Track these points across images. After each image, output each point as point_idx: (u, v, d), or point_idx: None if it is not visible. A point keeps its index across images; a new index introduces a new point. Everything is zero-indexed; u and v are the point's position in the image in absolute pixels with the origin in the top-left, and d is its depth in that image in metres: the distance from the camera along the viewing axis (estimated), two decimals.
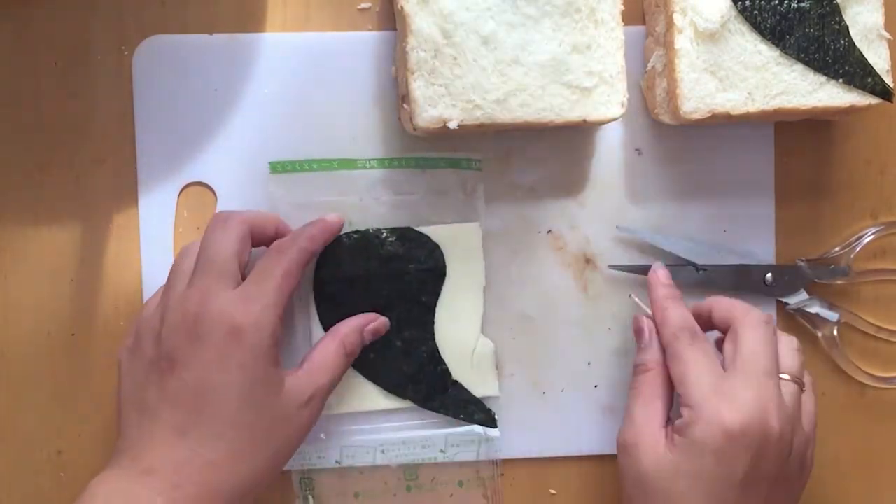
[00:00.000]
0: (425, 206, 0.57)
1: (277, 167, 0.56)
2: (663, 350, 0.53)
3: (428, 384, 0.57)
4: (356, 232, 0.56)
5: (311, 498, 0.57)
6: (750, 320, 0.52)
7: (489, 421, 0.57)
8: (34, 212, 0.56)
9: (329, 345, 0.53)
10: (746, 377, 0.50)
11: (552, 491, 0.59)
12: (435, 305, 0.57)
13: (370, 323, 0.55)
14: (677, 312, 0.53)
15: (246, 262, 0.52)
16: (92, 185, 0.56)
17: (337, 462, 0.57)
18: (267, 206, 0.56)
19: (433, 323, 0.57)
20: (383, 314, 0.56)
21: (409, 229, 0.56)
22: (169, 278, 0.52)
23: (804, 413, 0.52)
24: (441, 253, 0.57)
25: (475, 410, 0.57)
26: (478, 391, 0.57)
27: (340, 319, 0.55)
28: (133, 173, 0.56)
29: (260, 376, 0.49)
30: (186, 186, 0.57)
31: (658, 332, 0.54)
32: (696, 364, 0.51)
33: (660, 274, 0.56)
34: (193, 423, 0.48)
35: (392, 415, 0.57)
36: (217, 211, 0.56)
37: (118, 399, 0.52)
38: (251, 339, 0.49)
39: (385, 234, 0.56)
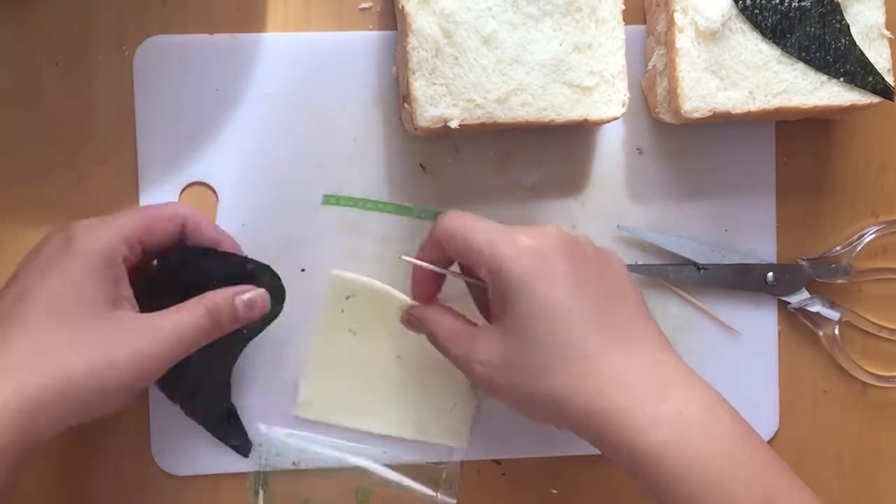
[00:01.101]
0: None
1: (331, 200, 0.57)
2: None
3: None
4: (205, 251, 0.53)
5: (261, 493, 0.57)
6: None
7: (243, 448, 0.56)
8: (35, 212, 0.56)
9: (195, 302, 0.49)
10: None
11: (553, 490, 0.59)
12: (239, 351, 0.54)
13: (244, 293, 0.51)
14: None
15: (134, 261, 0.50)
16: (93, 186, 0.56)
17: (294, 464, 0.57)
18: (310, 232, 0.57)
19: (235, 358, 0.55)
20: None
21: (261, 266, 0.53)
22: None
23: None
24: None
25: (230, 432, 0.56)
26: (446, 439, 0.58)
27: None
28: (134, 173, 0.56)
29: (77, 289, 0.46)
30: (187, 186, 0.57)
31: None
32: (471, 217, 0.49)
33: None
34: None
35: (361, 437, 0.58)
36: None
37: None
38: (79, 249, 0.47)
39: (249, 265, 0.53)
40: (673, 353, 0.48)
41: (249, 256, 0.53)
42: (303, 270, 0.57)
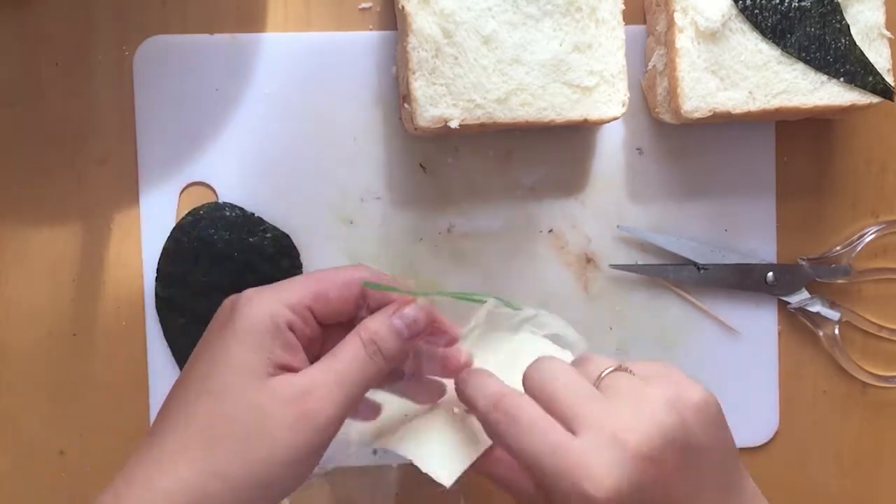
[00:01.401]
0: None
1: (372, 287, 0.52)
2: None
3: None
4: (240, 209, 0.56)
5: None
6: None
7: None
8: (35, 212, 0.56)
9: (344, 341, 0.43)
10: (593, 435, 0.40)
11: None
12: None
13: (397, 308, 0.44)
14: (479, 392, 0.43)
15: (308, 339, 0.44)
16: (93, 185, 0.56)
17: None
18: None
19: None
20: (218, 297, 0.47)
21: (287, 237, 0.56)
22: None
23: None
24: (300, 266, 0.56)
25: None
26: None
27: (177, 277, 0.54)
28: (134, 173, 0.56)
29: (235, 360, 0.41)
30: (187, 186, 0.57)
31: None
32: (527, 437, 0.40)
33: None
34: (158, 419, 0.42)
35: None
36: None
37: None
38: (242, 320, 0.42)
39: (264, 228, 0.56)
40: None
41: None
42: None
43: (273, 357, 0.41)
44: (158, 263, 0.56)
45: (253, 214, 0.56)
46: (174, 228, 0.56)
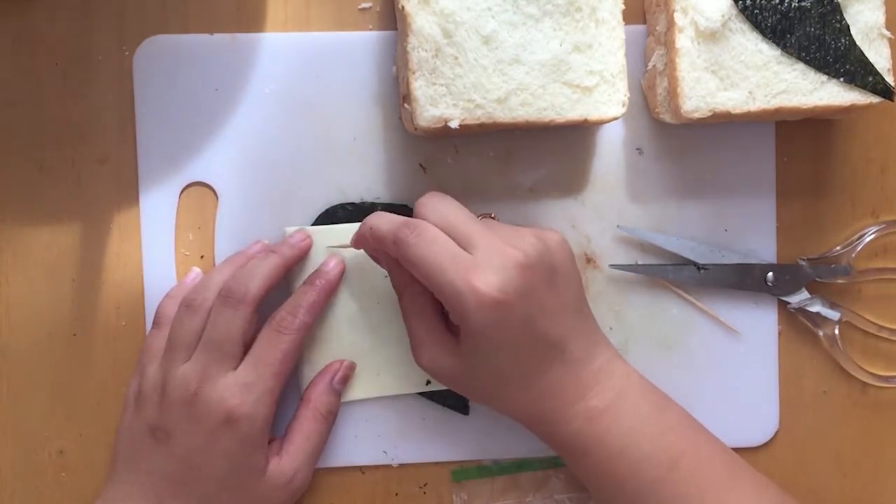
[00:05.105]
0: None
1: (460, 475, 0.58)
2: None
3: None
4: (351, 204, 0.57)
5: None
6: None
7: (461, 406, 0.58)
8: (35, 212, 0.56)
9: (303, 417, 0.55)
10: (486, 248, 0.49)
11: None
12: None
13: (335, 374, 0.56)
14: (383, 220, 0.50)
15: (253, 333, 0.53)
16: (93, 185, 0.56)
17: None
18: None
19: None
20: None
21: (404, 206, 0.57)
22: (170, 338, 0.53)
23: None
24: None
25: (448, 395, 0.57)
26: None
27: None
28: (134, 173, 0.56)
29: (243, 463, 0.51)
30: (187, 186, 0.57)
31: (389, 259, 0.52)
32: (431, 248, 0.48)
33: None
34: (171, 494, 0.51)
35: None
36: (226, 273, 0.54)
37: (118, 432, 0.54)
38: (243, 430, 0.51)
39: (379, 210, 0.56)
40: (603, 349, 0.53)
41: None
42: None
43: (268, 453, 0.53)
44: None
45: (364, 202, 0.57)
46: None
